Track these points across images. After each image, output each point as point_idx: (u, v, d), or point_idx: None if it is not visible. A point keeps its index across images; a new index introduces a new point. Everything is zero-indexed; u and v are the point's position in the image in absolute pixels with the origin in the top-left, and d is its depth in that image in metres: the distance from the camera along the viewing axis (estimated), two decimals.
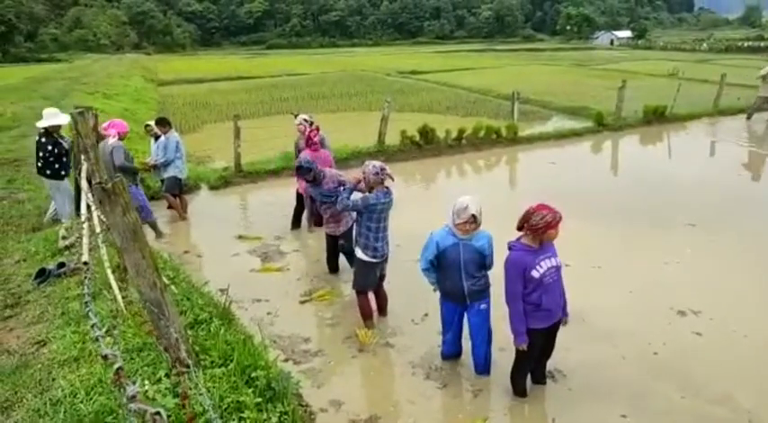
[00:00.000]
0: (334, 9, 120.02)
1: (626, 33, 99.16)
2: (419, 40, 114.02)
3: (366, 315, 5.15)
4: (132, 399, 1.24)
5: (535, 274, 3.69)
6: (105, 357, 1.41)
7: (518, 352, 3.98)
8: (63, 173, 7.17)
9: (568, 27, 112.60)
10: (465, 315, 4.36)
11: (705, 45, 65.49)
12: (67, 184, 7.24)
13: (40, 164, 7.08)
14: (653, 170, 10.95)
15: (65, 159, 7.14)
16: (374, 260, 4.91)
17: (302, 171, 5.71)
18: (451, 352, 4.59)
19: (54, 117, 7.06)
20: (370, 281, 5.11)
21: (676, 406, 4.08)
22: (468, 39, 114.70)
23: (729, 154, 12.27)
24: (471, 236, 4.05)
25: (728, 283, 6.00)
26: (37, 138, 7.11)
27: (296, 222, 7.92)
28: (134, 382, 1.38)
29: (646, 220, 7.98)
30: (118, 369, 1.40)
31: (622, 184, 10.47)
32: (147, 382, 3.23)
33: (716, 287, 5.92)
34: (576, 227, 7.12)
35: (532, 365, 4.14)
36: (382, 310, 5.38)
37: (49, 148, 7.02)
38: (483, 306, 4.26)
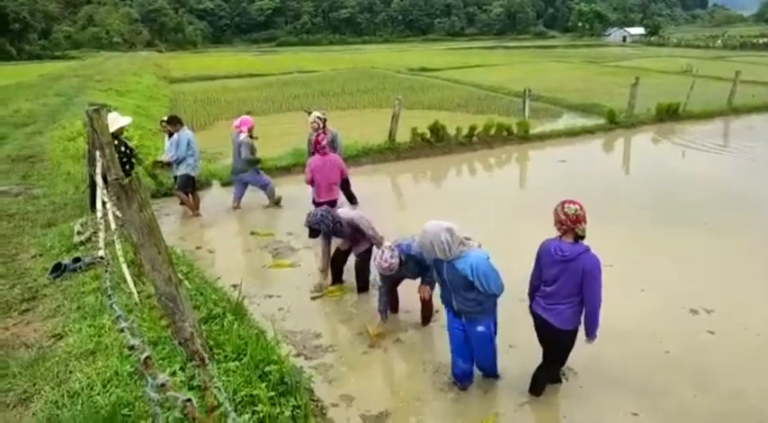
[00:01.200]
0: (345, 6, 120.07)
1: (639, 30, 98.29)
2: (429, 37, 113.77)
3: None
4: (162, 387, 1.27)
5: None
6: (132, 347, 1.44)
7: (560, 353, 4.00)
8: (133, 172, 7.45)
9: (580, 24, 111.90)
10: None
11: (719, 42, 64.74)
12: None
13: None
14: (666, 168, 10.87)
15: (133, 160, 7.45)
16: None
17: (312, 233, 5.57)
18: (461, 371, 4.22)
19: (117, 120, 7.24)
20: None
21: (688, 404, 4.06)
22: (479, 36, 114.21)
23: (744, 152, 12.13)
24: (456, 256, 3.73)
25: (741, 282, 5.95)
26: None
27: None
28: (164, 371, 1.41)
29: (658, 218, 7.93)
30: (146, 358, 1.43)
31: (634, 182, 10.40)
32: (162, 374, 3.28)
33: (729, 286, 5.87)
34: (586, 225, 7.11)
35: None
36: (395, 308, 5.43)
37: (122, 149, 7.27)
38: (480, 328, 3.98)
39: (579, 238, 3.67)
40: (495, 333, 4.11)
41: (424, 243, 3.69)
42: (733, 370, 4.43)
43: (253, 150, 8.41)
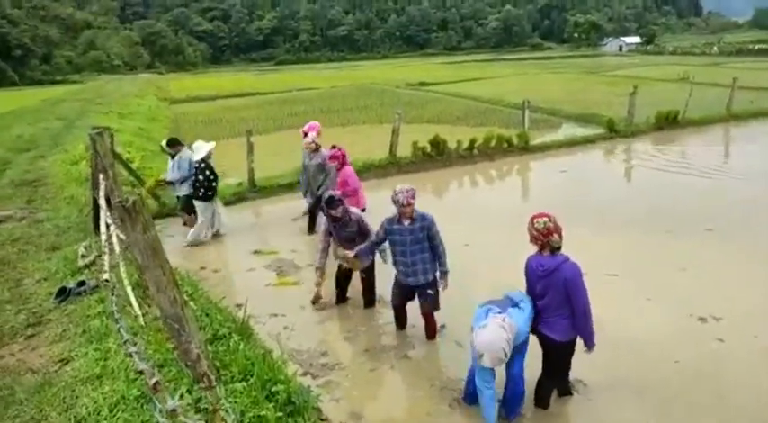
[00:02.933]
0: (342, 24, 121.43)
1: (635, 39, 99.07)
2: (427, 51, 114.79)
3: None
4: (173, 412, 1.26)
5: None
6: (142, 372, 1.43)
7: (559, 365, 3.99)
8: (211, 194, 7.95)
9: (576, 35, 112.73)
10: None
11: (715, 49, 65.16)
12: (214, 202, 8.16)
13: (198, 187, 7.79)
14: (667, 176, 10.86)
15: (215, 184, 7.95)
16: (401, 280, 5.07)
17: (333, 204, 5.24)
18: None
19: (203, 147, 7.80)
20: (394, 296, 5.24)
21: (700, 413, 4.02)
22: (476, 49, 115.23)
23: (744, 158, 12.14)
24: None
25: (748, 288, 5.92)
26: (199, 166, 7.76)
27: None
28: (172, 397, 1.41)
29: (661, 226, 7.91)
30: (155, 383, 1.42)
31: (636, 190, 10.39)
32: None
33: (735, 292, 5.84)
34: (589, 235, 7.09)
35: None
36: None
37: (207, 173, 7.76)
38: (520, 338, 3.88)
39: (555, 249, 3.69)
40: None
41: (496, 357, 3.50)
42: (745, 378, 4.38)
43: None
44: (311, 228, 8.24)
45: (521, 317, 3.73)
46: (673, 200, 9.21)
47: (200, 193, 7.84)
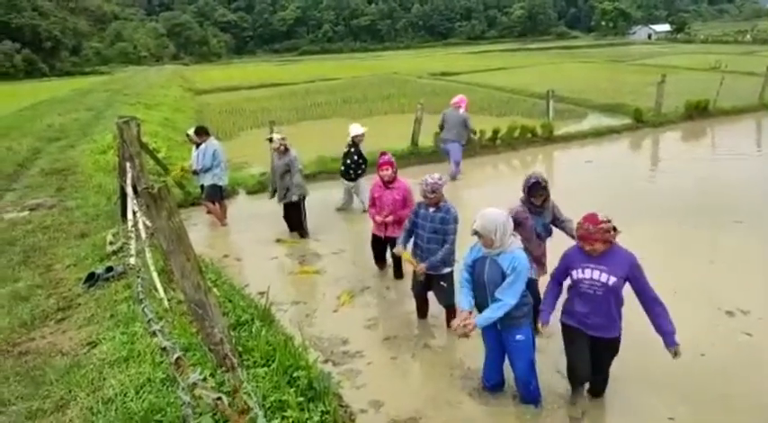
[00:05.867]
0: (365, 14, 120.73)
1: (664, 27, 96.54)
2: (450, 41, 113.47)
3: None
4: (194, 386, 1.29)
5: (573, 274, 3.74)
6: (164, 349, 1.47)
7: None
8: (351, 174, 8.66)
9: (603, 23, 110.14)
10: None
11: (749, 36, 63.06)
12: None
13: (350, 167, 8.52)
14: (696, 167, 10.61)
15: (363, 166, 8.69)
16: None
17: (538, 190, 4.65)
18: (492, 386, 4.19)
19: (357, 129, 8.51)
20: (413, 285, 5.24)
21: (726, 408, 3.95)
22: (501, 39, 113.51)
23: None
24: (503, 249, 3.63)
25: None
26: (349, 149, 8.51)
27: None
28: (194, 372, 1.44)
29: (689, 217, 7.74)
30: (177, 359, 1.45)
31: (664, 181, 10.16)
32: None
33: (764, 286, 5.69)
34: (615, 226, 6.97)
35: (578, 362, 3.89)
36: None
37: (358, 157, 8.52)
38: (518, 337, 3.79)
39: None
40: (534, 344, 3.94)
41: (485, 224, 3.53)
42: None
43: (467, 123, 10.06)
44: (292, 227, 8.01)
45: (524, 253, 3.70)
46: (701, 191, 9.00)
47: (355, 173, 8.57)
